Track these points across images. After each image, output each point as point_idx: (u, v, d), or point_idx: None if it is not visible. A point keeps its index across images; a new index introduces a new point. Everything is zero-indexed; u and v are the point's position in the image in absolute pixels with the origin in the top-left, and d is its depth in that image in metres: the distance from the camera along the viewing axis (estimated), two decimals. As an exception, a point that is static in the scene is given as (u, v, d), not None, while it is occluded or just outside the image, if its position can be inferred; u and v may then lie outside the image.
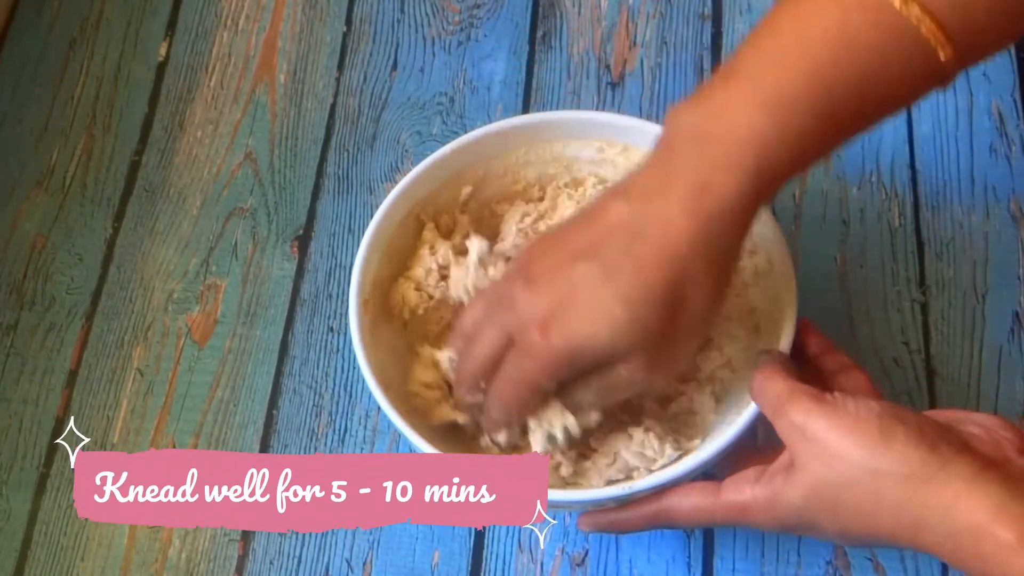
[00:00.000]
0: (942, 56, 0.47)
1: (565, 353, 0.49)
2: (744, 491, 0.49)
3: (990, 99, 0.73)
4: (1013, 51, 0.74)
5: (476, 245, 0.58)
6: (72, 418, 0.68)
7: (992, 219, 0.70)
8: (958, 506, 0.43)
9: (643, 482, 0.52)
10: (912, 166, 0.72)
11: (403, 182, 0.60)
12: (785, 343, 0.54)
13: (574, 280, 0.48)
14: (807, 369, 0.54)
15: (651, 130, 0.58)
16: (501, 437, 0.54)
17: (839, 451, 0.45)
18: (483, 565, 0.63)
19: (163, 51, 0.80)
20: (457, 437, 0.57)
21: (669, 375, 0.53)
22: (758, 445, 0.54)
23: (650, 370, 0.49)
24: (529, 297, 0.49)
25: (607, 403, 0.53)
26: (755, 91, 0.47)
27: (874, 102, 0.49)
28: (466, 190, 0.62)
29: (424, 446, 0.53)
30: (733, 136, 0.47)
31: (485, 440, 0.55)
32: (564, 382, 0.51)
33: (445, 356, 0.56)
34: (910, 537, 0.45)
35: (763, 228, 0.57)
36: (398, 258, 0.61)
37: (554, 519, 0.63)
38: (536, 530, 0.62)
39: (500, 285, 0.54)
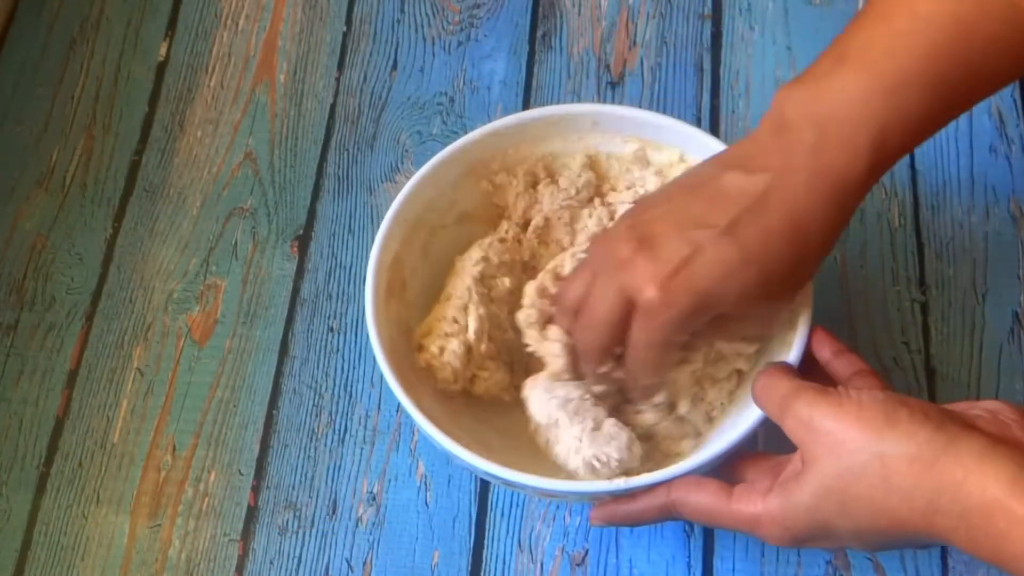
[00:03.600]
0: None
1: (692, 308, 0.50)
2: (756, 503, 0.48)
3: (990, 99, 0.73)
4: (1013, 51, 0.74)
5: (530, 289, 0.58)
6: (72, 418, 0.68)
7: (992, 219, 0.70)
8: (969, 483, 0.42)
9: (641, 479, 0.52)
10: (912, 166, 0.72)
11: (420, 172, 0.60)
12: (796, 351, 0.54)
13: (696, 240, 0.50)
14: (818, 375, 0.53)
15: (690, 132, 0.60)
16: (658, 398, 0.55)
17: (845, 439, 0.45)
18: (483, 565, 0.63)
19: (163, 51, 0.80)
20: (463, 416, 0.58)
21: (765, 329, 0.56)
22: (762, 451, 0.54)
23: (767, 323, 0.54)
24: (647, 256, 0.50)
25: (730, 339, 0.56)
26: (872, 76, 0.50)
27: (983, 82, 0.52)
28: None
29: (435, 432, 0.54)
30: (853, 121, 0.49)
31: (636, 406, 0.56)
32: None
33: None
34: (926, 524, 0.43)
35: None
36: (419, 237, 0.61)
37: (554, 518, 0.63)
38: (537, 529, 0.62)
39: (603, 249, 0.53)
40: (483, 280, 0.59)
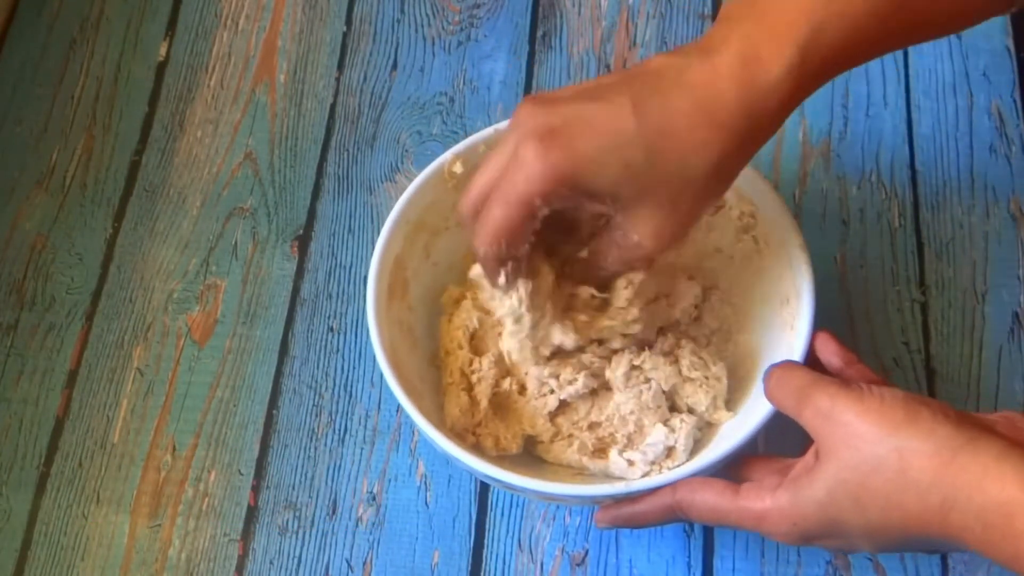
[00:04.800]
0: None
1: (565, 170, 0.46)
2: (764, 499, 0.48)
3: (990, 99, 0.73)
4: (1013, 51, 0.74)
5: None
6: (72, 418, 0.68)
7: (992, 219, 0.70)
8: (987, 481, 0.42)
9: (644, 481, 0.52)
10: (912, 166, 0.72)
11: (436, 162, 0.60)
12: (799, 355, 0.54)
13: (594, 100, 0.46)
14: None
15: None
16: (500, 279, 0.50)
17: (864, 432, 0.44)
18: (483, 565, 0.63)
19: (163, 51, 0.80)
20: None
21: (667, 243, 0.50)
22: (768, 454, 0.54)
23: (652, 233, 0.48)
24: (536, 111, 0.46)
25: (604, 270, 0.52)
26: None
27: (934, 11, 0.49)
28: None
29: (436, 435, 0.54)
30: (791, 7, 0.46)
31: (490, 292, 0.53)
32: (558, 230, 0.48)
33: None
34: (940, 521, 0.43)
35: (788, 238, 0.57)
36: (421, 239, 0.61)
37: (554, 518, 0.63)
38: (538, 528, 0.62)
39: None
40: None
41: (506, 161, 0.47)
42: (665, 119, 0.46)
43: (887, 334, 0.67)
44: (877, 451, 0.44)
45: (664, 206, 0.48)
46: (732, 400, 0.58)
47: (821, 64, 0.47)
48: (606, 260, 0.52)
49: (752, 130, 0.47)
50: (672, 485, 0.51)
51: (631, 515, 0.53)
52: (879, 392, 0.46)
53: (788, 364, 0.51)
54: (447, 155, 0.60)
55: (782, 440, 0.51)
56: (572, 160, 0.46)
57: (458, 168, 0.60)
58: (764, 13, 0.47)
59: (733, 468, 0.53)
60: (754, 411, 0.53)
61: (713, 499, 0.50)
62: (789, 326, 0.56)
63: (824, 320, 0.55)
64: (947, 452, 0.43)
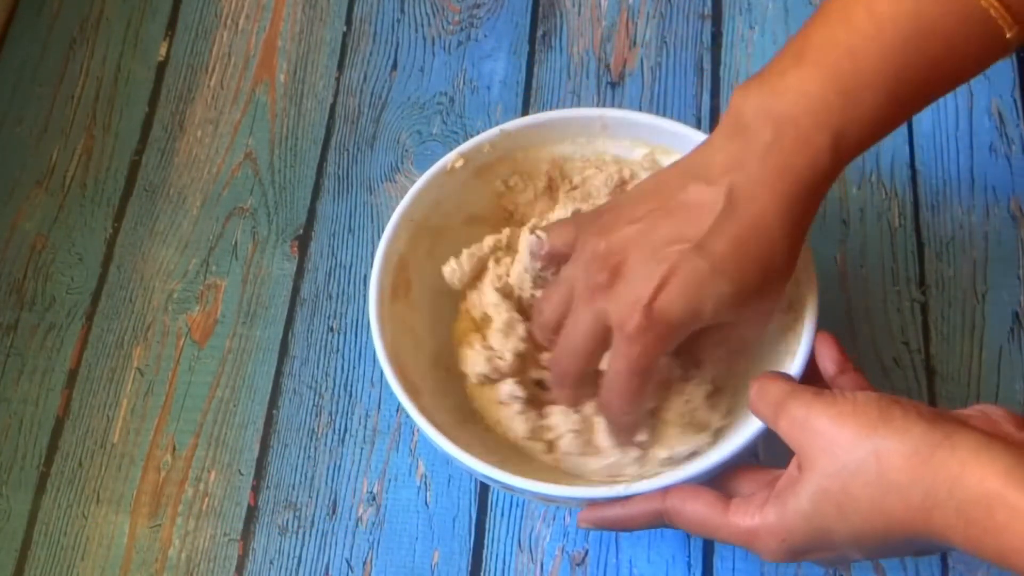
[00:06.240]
0: (1008, 34, 0.50)
1: (673, 329, 0.50)
2: (753, 516, 0.48)
3: (990, 99, 0.73)
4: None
5: (527, 240, 0.58)
6: (72, 418, 0.68)
7: (992, 219, 0.70)
8: (966, 475, 0.41)
9: (641, 485, 0.52)
10: (912, 166, 0.72)
11: (442, 161, 0.60)
12: (800, 362, 0.54)
13: (668, 261, 0.50)
14: (820, 387, 0.53)
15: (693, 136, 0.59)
16: (641, 437, 0.55)
17: (840, 439, 0.44)
18: (483, 565, 0.63)
19: (163, 51, 0.80)
20: (476, 420, 0.58)
21: (758, 331, 0.56)
22: (760, 465, 0.53)
23: (745, 333, 0.54)
24: (623, 283, 0.51)
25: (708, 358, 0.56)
26: (829, 76, 0.50)
27: (940, 81, 0.52)
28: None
29: (435, 434, 0.53)
30: (810, 119, 0.50)
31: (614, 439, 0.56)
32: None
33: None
34: (923, 521, 0.43)
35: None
36: (425, 239, 0.61)
37: (554, 518, 0.63)
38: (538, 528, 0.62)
39: (578, 272, 0.54)
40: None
41: (598, 329, 0.52)
42: (736, 259, 0.50)
43: (887, 334, 0.67)
44: (854, 456, 0.44)
45: (751, 315, 0.53)
46: (732, 407, 0.58)
47: (848, 159, 0.51)
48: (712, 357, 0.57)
49: (797, 225, 0.51)
50: (662, 491, 0.51)
51: (616, 517, 0.53)
52: (851, 396, 0.46)
53: (768, 375, 0.50)
54: (452, 155, 0.60)
55: (783, 448, 0.50)
56: (674, 328, 0.50)
57: (459, 164, 0.60)
58: (785, 122, 0.50)
59: (725, 479, 0.52)
60: (751, 420, 0.53)
61: (703, 511, 0.50)
62: (792, 332, 0.56)
63: (824, 320, 0.55)
64: (924, 450, 0.43)
